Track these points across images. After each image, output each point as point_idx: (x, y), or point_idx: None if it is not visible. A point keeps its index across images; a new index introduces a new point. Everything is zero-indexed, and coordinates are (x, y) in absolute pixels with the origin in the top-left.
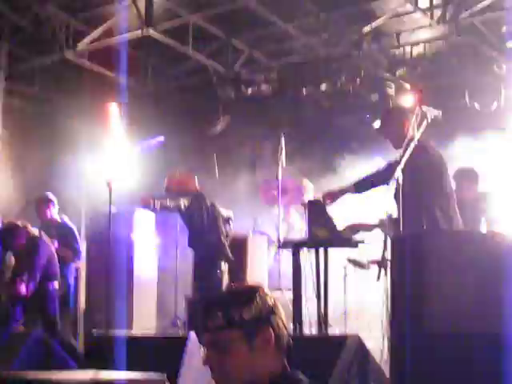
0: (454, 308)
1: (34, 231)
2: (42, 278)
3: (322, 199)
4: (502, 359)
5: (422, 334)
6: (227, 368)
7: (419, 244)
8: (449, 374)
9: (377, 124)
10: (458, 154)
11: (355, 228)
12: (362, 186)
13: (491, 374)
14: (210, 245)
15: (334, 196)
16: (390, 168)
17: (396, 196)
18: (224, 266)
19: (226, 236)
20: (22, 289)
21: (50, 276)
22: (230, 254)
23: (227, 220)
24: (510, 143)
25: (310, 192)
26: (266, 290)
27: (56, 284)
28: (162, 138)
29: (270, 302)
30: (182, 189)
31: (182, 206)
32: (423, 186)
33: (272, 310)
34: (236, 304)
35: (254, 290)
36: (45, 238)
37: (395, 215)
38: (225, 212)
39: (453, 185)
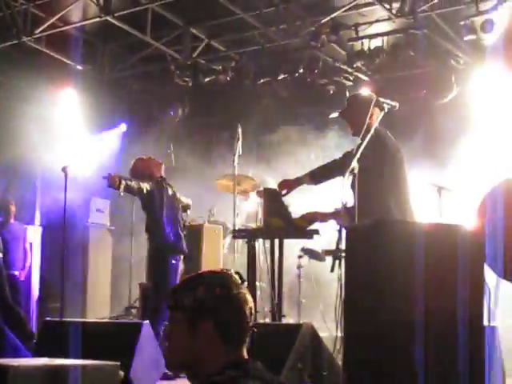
0: (404, 297)
1: None
2: None
3: (277, 188)
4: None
5: (374, 322)
6: (169, 347)
7: (372, 234)
8: (401, 362)
9: (335, 113)
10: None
11: (310, 218)
12: (318, 176)
13: (443, 361)
14: (167, 234)
15: (290, 185)
16: (347, 159)
17: (352, 185)
18: (179, 255)
19: (184, 226)
20: None
21: None
22: (185, 247)
23: (185, 208)
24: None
25: None
26: (228, 280)
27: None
28: (124, 127)
29: (221, 292)
30: (145, 172)
31: (145, 190)
32: (378, 176)
33: (221, 301)
34: (182, 289)
35: (201, 280)
36: None
37: (350, 205)
38: (184, 200)
39: None
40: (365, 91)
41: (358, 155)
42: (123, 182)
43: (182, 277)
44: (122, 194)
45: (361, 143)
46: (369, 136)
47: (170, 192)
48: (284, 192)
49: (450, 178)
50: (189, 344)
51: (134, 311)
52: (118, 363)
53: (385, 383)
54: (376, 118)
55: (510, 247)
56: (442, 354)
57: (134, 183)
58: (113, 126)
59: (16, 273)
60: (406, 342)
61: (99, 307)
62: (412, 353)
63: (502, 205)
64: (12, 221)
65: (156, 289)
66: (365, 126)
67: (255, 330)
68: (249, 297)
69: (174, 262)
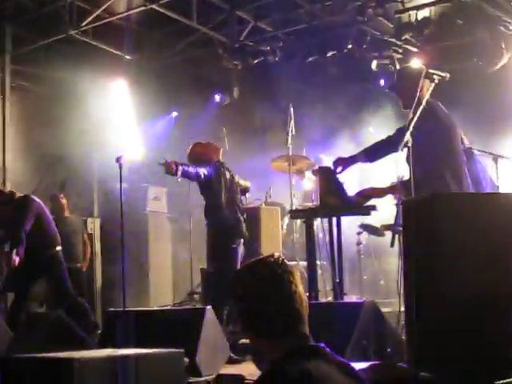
0: (467, 270)
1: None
2: (37, 242)
3: (332, 166)
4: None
5: (436, 295)
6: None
7: (429, 207)
8: (462, 333)
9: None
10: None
11: (367, 194)
12: (372, 154)
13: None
14: (226, 219)
15: (344, 163)
16: (401, 134)
17: (407, 160)
18: (239, 240)
19: (243, 210)
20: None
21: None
22: (245, 230)
23: (244, 191)
24: None
25: None
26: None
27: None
28: (175, 114)
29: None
30: (203, 157)
31: (202, 176)
32: (432, 149)
33: (259, 297)
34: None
35: (240, 278)
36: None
37: (406, 178)
38: (243, 182)
39: None
40: (415, 63)
41: (411, 128)
42: (180, 168)
43: (242, 260)
44: (179, 179)
45: (413, 116)
46: (421, 108)
47: (228, 176)
48: (339, 170)
49: (507, 146)
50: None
51: (196, 297)
52: (183, 350)
53: (449, 354)
54: (426, 89)
55: None
56: (500, 325)
57: (191, 168)
58: (165, 114)
59: (78, 265)
60: (463, 316)
61: (162, 294)
62: (473, 325)
63: None
64: (67, 214)
65: (218, 274)
66: (416, 99)
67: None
68: (293, 278)
69: (234, 246)
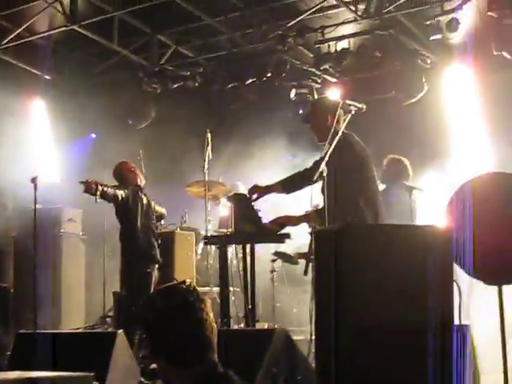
0: (374, 303)
1: None
2: None
3: (248, 193)
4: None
5: (345, 327)
6: None
7: (340, 238)
8: (372, 366)
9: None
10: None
11: (282, 222)
12: (289, 185)
13: (412, 363)
14: (140, 243)
15: (260, 191)
16: (317, 166)
17: (322, 189)
18: (152, 265)
19: (158, 236)
20: None
21: None
22: (159, 256)
23: (160, 217)
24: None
25: None
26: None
27: None
28: (93, 135)
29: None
30: (123, 178)
31: (120, 198)
32: (347, 179)
33: (170, 324)
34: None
35: (152, 304)
36: None
37: (321, 208)
38: (159, 208)
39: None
40: (330, 94)
41: (327, 158)
42: (100, 188)
43: (156, 285)
44: (97, 200)
45: (329, 147)
46: (336, 139)
47: (145, 201)
48: (254, 197)
49: (421, 178)
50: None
51: (108, 320)
52: (92, 374)
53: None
54: (343, 121)
55: (479, 245)
56: (412, 356)
57: (109, 190)
58: (82, 135)
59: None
60: (375, 345)
61: (74, 317)
62: (381, 356)
63: (471, 202)
64: None
65: (130, 298)
66: (332, 131)
67: None
68: (204, 306)
69: (148, 270)
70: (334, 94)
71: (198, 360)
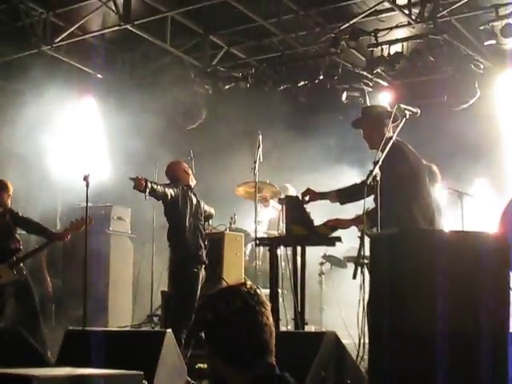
0: (431, 308)
1: None
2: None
3: (301, 196)
4: (480, 357)
5: (400, 333)
6: None
7: (396, 243)
8: (425, 373)
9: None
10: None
11: (332, 224)
12: (345, 197)
13: (466, 371)
14: (188, 243)
15: (314, 196)
16: (370, 173)
17: (375, 198)
18: (200, 265)
19: (205, 237)
20: None
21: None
22: (205, 257)
23: (208, 217)
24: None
25: None
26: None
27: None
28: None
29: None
30: (175, 177)
31: (169, 196)
32: (401, 187)
33: (231, 327)
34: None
35: (212, 305)
36: None
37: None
38: (208, 208)
39: None
40: (384, 97)
41: (380, 162)
42: (149, 185)
43: (203, 285)
44: (146, 197)
45: (382, 151)
46: (389, 146)
47: (195, 201)
48: (306, 199)
49: (473, 183)
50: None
51: (155, 319)
52: (141, 373)
53: None
54: (396, 127)
55: None
56: (465, 364)
57: (159, 187)
58: (133, 134)
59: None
60: (429, 352)
61: (121, 315)
62: (434, 363)
63: None
64: None
65: (178, 297)
66: (384, 139)
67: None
68: (265, 310)
69: (195, 270)
70: (385, 97)
71: (256, 362)
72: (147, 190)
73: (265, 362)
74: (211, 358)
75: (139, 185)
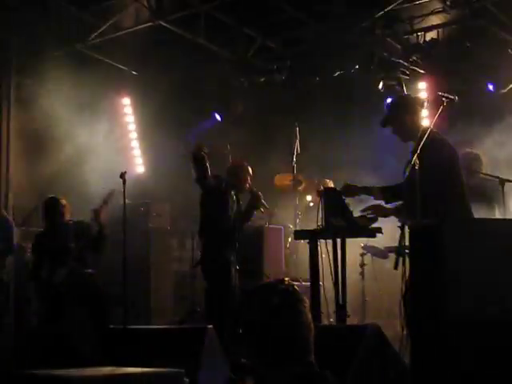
0: (476, 295)
1: None
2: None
3: (342, 190)
4: None
5: (444, 321)
6: None
7: (440, 232)
8: (470, 361)
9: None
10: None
11: (373, 210)
12: (391, 196)
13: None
14: (224, 238)
15: (354, 190)
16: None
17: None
18: (233, 257)
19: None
20: None
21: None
22: (234, 258)
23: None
24: None
25: None
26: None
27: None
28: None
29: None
30: (238, 176)
31: (213, 189)
32: (438, 178)
33: (270, 326)
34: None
35: (251, 304)
36: None
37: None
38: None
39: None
40: (422, 84)
41: (419, 150)
42: (207, 164)
43: (244, 280)
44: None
45: (420, 141)
46: (426, 136)
47: (234, 197)
48: (346, 194)
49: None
50: None
51: (197, 315)
52: (183, 370)
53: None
54: (433, 115)
55: None
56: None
57: (209, 175)
58: (169, 130)
59: None
60: (473, 342)
61: (163, 311)
62: (481, 352)
63: None
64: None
65: (219, 293)
66: (417, 130)
67: None
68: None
69: (230, 266)
70: (422, 85)
71: (295, 360)
72: (205, 163)
73: (304, 360)
74: (251, 356)
75: (199, 150)
